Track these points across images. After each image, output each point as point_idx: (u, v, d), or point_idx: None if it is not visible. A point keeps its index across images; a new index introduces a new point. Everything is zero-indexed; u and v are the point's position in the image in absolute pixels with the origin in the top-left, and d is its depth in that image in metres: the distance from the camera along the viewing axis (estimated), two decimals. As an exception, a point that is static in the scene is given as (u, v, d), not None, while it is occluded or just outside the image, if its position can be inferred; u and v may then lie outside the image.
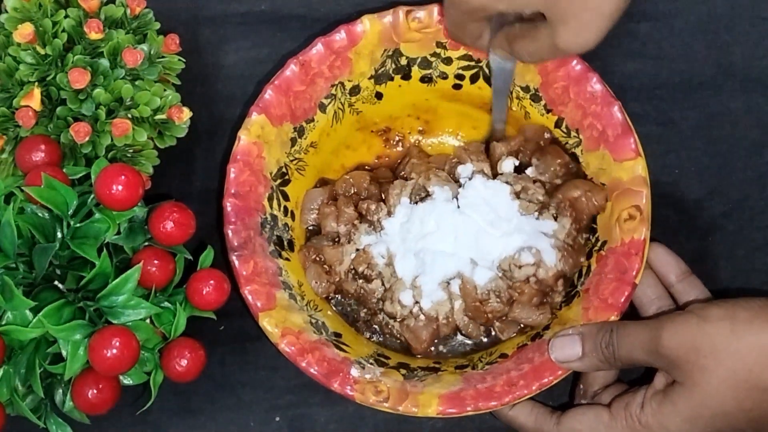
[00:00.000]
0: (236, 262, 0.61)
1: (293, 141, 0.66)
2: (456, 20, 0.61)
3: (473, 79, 0.68)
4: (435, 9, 0.65)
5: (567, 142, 0.66)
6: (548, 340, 0.60)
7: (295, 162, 0.67)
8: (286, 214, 0.66)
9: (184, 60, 0.69)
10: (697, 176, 0.71)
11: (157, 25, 0.68)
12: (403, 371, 0.61)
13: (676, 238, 0.68)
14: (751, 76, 0.73)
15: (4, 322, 0.57)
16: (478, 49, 0.65)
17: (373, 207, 0.65)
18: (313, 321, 0.62)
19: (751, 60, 0.73)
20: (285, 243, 0.65)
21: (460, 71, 0.68)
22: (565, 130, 0.66)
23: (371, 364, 0.61)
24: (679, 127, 0.72)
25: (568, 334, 0.59)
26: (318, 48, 0.66)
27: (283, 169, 0.66)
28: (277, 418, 0.66)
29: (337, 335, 0.63)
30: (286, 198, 0.66)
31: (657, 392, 0.57)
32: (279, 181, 0.66)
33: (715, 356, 0.53)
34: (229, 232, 0.62)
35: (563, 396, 0.66)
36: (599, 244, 0.63)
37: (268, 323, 0.60)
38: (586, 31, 0.55)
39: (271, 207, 0.65)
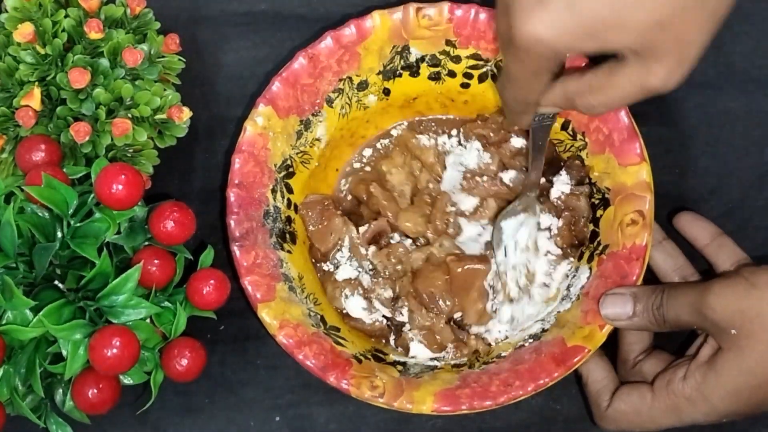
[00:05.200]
0: (237, 253, 0.61)
1: (299, 134, 0.66)
2: (519, 80, 0.53)
3: (481, 78, 0.68)
4: (445, 7, 0.65)
5: (573, 145, 0.66)
6: (599, 298, 0.60)
7: (300, 155, 0.67)
8: (289, 207, 0.66)
9: (184, 60, 0.69)
10: (697, 176, 0.71)
11: (157, 25, 0.68)
12: (400, 367, 0.61)
13: (675, 238, 0.68)
14: (751, 76, 0.73)
15: (4, 322, 0.57)
16: (525, 121, 0.60)
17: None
18: (312, 314, 0.62)
19: (751, 60, 0.73)
20: (287, 235, 0.65)
21: (469, 70, 0.68)
22: (571, 132, 0.66)
23: (368, 359, 0.61)
24: (679, 127, 0.72)
25: (621, 293, 0.59)
26: (327, 42, 0.66)
27: (288, 162, 0.66)
28: (278, 418, 0.66)
29: (336, 329, 0.63)
30: (290, 191, 0.66)
31: (701, 364, 0.57)
32: (283, 173, 0.66)
33: (761, 322, 0.53)
34: (232, 222, 0.62)
35: (563, 396, 0.66)
36: (601, 247, 0.63)
37: (266, 314, 0.60)
38: (681, 66, 0.49)
39: (275, 199, 0.65)
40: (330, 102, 0.67)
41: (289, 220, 0.66)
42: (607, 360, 0.63)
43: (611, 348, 0.64)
